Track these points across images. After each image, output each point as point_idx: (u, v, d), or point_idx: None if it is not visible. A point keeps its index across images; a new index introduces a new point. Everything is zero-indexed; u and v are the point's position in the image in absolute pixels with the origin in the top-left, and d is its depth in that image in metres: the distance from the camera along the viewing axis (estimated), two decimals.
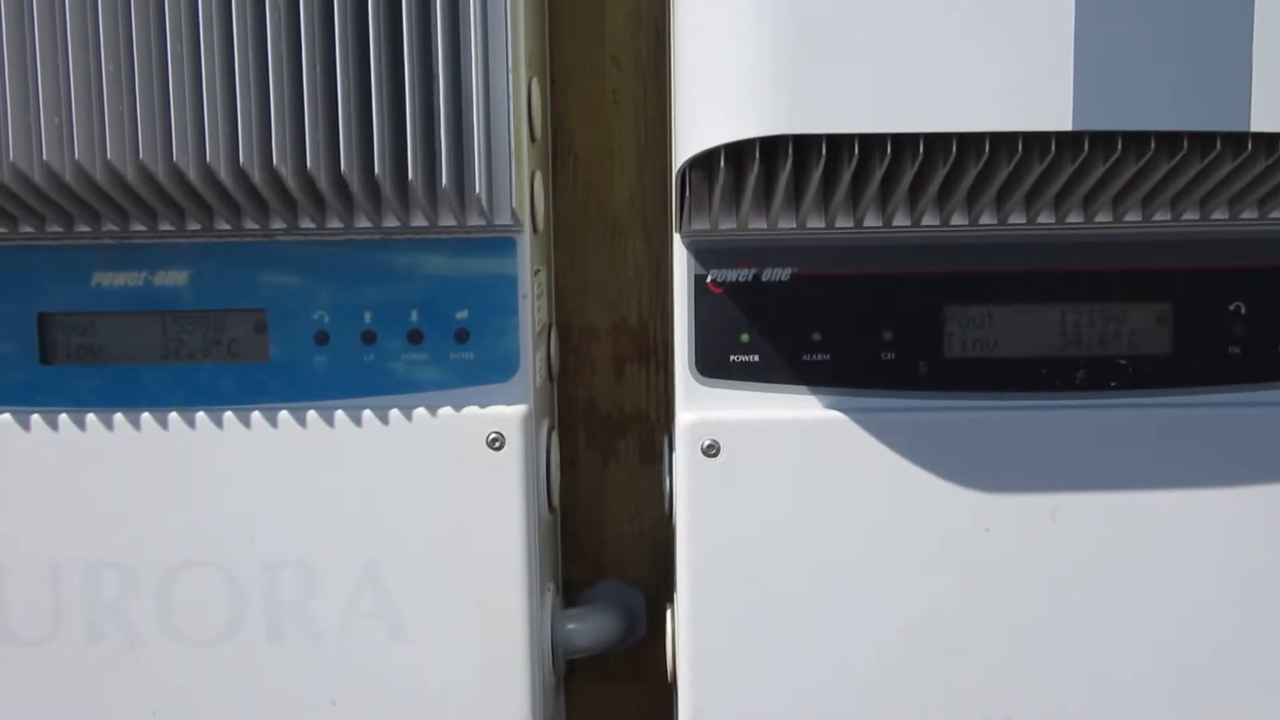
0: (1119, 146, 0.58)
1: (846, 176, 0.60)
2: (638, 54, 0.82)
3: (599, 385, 0.85)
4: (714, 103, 0.57)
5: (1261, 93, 0.56)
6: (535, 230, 0.71)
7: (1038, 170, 0.60)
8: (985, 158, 0.58)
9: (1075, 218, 0.66)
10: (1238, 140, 0.58)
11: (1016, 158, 0.58)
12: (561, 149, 0.83)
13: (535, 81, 0.70)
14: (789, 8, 0.55)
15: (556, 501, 0.76)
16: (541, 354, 0.75)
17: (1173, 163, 0.59)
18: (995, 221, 0.66)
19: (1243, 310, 0.68)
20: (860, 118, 0.55)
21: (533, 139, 0.70)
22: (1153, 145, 0.58)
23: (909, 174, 0.60)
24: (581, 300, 0.84)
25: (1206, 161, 0.59)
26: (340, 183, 0.62)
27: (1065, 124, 0.56)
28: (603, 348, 0.85)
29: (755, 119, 0.56)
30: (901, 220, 0.66)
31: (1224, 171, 0.60)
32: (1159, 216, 0.66)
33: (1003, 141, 0.58)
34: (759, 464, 0.67)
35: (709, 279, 0.67)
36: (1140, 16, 0.55)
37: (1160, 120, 0.56)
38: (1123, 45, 0.55)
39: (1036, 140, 0.58)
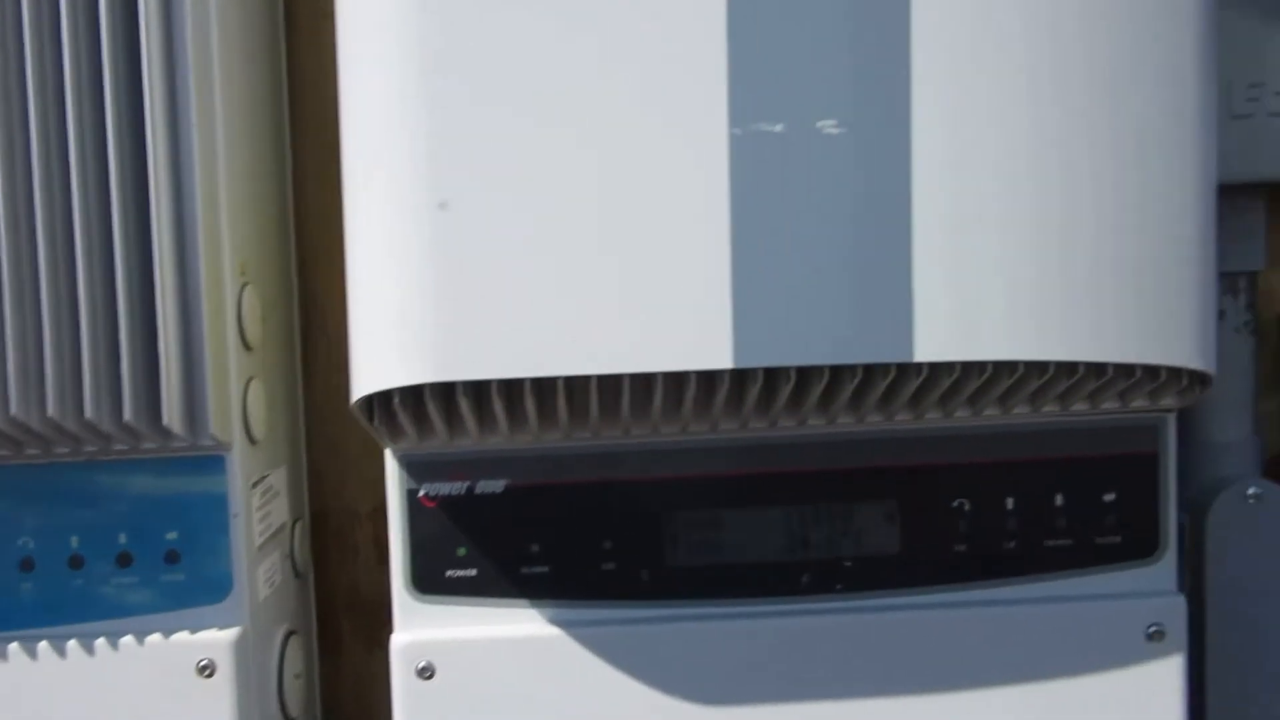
0: (792, 376, 0.57)
1: (530, 405, 0.59)
2: None
3: (362, 571, 0.83)
4: (368, 348, 0.56)
5: (924, 324, 0.55)
6: (253, 441, 0.69)
7: (722, 395, 0.58)
8: (661, 390, 0.57)
9: (788, 421, 0.65)
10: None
11: (691, 389, 0.57)
12: (314, 329, 0.81)
13: (249, 289, 0.69)
14: (436, 257, 0.54)
15: (297, 711, 0.74)
16: (275, 558, 0.73)
17: (855, 383, 0.58)
18: (706, 428, 0.65)
19: (966, 507, 0.66)
20: (508, 363, 0.54)
21: (247, 348, 0.68)
22: (827, 374, 0.57)
23: (594, 400, 0.59)
24: (340, 485, 0.82)
25: (889, 380, 0.58)
26: (16, 422, 0.60)
27: (726, 362, 0.54)
28: (364, 532, 0.82)
29: (402, 368, 0.54)
30: (611, 430, 0.65)
31: (912, 388, 0.59)
32: (872, 418, 0.65)
33: (671, 374, 0.57)
34: (477, 685, 0.65)
35: (421, 493, 0.66)
36: (799, 254, 0.54)
37: (821, 355, 0.55)
38: (781, 283, 0.54)
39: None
